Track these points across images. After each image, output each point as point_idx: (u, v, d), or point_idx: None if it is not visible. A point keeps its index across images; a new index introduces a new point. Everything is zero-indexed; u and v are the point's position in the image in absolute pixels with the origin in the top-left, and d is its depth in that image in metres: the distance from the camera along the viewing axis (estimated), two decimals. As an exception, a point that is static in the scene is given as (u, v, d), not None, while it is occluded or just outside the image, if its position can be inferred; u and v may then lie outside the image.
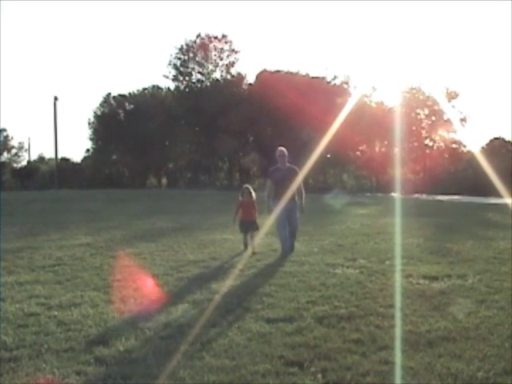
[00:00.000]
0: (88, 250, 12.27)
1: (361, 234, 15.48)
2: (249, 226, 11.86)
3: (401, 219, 19.28)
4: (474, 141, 64.92)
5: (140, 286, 8.49)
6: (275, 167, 11.89)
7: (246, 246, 11.91)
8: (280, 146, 12.11)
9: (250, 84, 70.04)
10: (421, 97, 62.79)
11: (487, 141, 66.80)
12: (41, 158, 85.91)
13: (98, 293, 8.07)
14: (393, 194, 47.91)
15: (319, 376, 4.81)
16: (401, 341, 5.69)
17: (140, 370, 4.93)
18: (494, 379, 4.73)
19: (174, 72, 70.75)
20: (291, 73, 66.95)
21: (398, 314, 6.71)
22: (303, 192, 11.80)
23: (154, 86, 78.08)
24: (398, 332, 6.00)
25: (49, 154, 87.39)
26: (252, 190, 12.06)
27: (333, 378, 4.76)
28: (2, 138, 78.06)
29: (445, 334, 5.97)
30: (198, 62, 69.84)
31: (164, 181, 79.75)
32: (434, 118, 62.98)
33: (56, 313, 6.91)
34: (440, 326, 6.28)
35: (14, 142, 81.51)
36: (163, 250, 12.30)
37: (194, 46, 69.52)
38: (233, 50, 70.43)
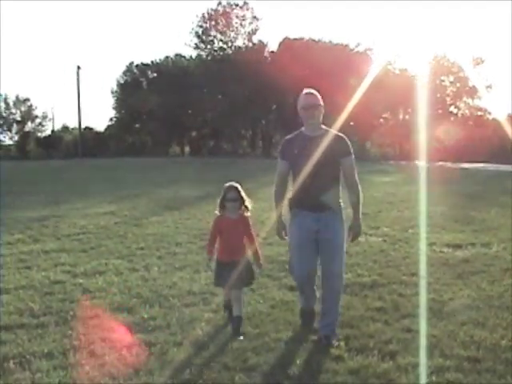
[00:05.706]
0: (112, 219, 12.38)
1: (384, 202, 15.42)
2: (230, 273, 5.19)
3: (425, 187, 19.10)
4: (499, 108, 64.02)
5: (163, 255, 8.56)
6: (295, 134, 5.26)
7: (227, 307, 5.53)
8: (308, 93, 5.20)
9: (272, 52, 69.37)
10: (445, 63, 61.82)
11: (513, 108, 65.74)
12: (65, 128, 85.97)
13: (122, 261, 8.17)
14: (417, 161, 47.52)
15: (342, 344, 4.83)
16: (424, 309, 5.67)
17: (164, 337, 4.99)
18: (517, 347, 4.71)
19: (195, 40, 70.37)
20: (313, 40, 66.21)
21: (421, 283, 6.71)
22: (360, 191, 5.12)
23: (176, 55, 77.60)
24: (421, 300, 5.99)
25: (72, 123, 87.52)
26: (243, 194, 5.63)
27: (355, 346, 4.78)
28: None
29: (468, 302, 5.96)
30: (219, 30, 69.32)
31: (187, 149, 79.65)
32: (458, 85, 62.06)
33: (81, 280, 7.01)
34: (463, 294, 6.27)
35: (38, 112, 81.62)
36: (186, 218, 12.37)
37: (216, 13, 68.93)
38: (254, 17, 69.59)
